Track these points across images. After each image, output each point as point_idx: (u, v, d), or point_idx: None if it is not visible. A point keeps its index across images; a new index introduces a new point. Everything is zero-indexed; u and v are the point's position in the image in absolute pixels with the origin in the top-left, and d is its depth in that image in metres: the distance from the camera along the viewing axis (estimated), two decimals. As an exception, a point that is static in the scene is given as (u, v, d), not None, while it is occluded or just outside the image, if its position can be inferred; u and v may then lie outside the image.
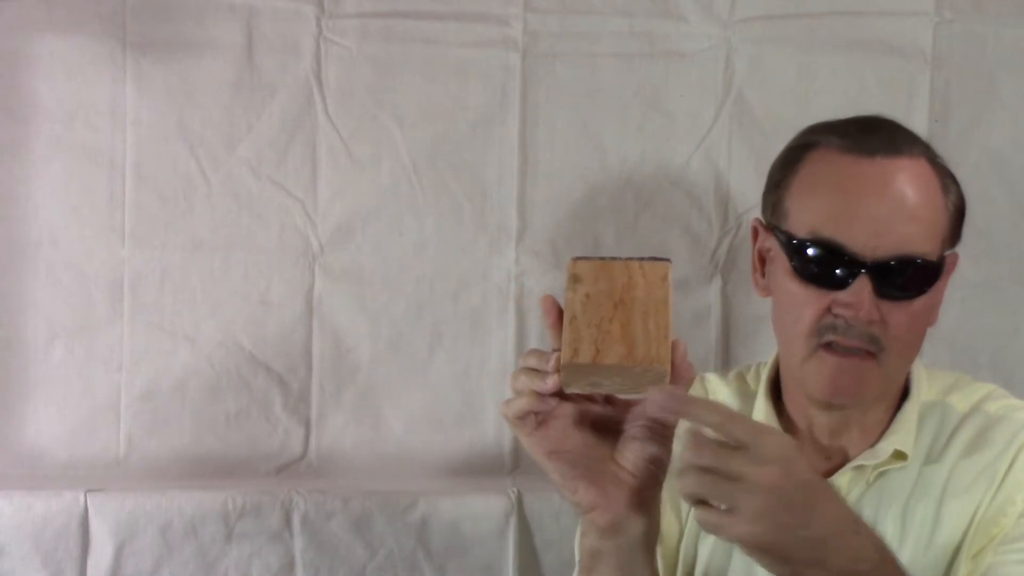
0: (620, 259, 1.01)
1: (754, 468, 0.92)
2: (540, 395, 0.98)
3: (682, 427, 1.01)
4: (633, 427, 1.02)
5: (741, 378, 1.34)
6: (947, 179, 1.21)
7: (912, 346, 1.21)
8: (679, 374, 0.97)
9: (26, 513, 1.53)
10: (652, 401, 0.96)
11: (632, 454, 1.01)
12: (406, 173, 1.66)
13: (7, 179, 1.61)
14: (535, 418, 1.00)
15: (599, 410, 1.03)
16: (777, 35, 1.67)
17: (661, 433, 1.01)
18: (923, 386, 1.26)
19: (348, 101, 1.65)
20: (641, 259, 1.01)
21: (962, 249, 1.27)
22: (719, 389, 1.33)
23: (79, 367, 1.64)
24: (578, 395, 1.01)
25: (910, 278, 1.17)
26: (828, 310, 1.17)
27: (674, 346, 0.97)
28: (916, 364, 1.27)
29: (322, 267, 1.67)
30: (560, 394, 0.99)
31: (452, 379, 1.68)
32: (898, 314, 1.17)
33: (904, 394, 1.26)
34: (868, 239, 1.15)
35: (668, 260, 1.01)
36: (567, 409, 1.01)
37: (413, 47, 1.65)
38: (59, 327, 1.63)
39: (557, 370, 0.96)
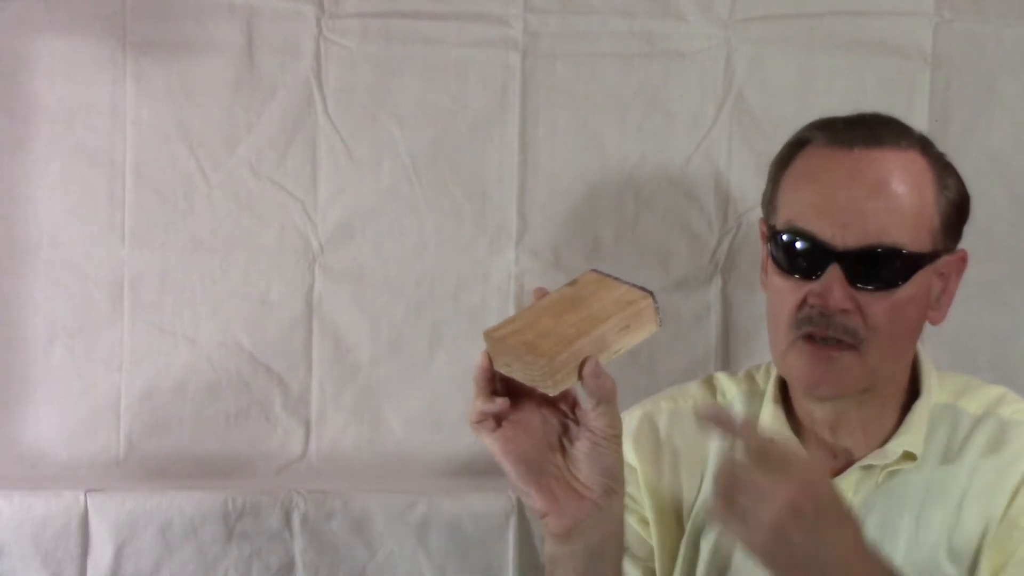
0: (627, 283, 1.03)
1: (776, 482, 0.95)
2: (488, 396, 1.00)
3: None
4: (583, 439, 1.03)
5: (751, 377, 1.34)
6: (944, 173, 1.21)
7: (897, 339, 1.20)
8: (587, 387, 0.99)
9: (26, 513, 1.53)
10: (706, 414, 1.02)
11: (584, 465, 1.03)
12: (406, 173, 1.66)
13: (7, 179, 1.61)
14: (492, 421, 1.02)
15: (560, 419, 1.05)
16: (777, 35, 1.67)
17: (608, 447, 1.03)
18: (934, 387, 1.26)
19: (348, 101, 1.65)
20: (636, 285, 1.03)
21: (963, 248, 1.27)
22: (729, 389, 1.34)
23: (79, 367, 1.63)
24: (540, 402, 1.03)
25: (883, 268, 1.17)
26: (805, 301, 1.18)
27: (584, 361, 0.98)
28: (927, 365, 1.27)
29: (322, 267, 1.67)
30: (506, 393, 1.01)
31: (452, 379, 1.67)
32: (876, 305, 1.17)
33: (914, 394, 1.26)
34: (838, 228, 1.16)
35: (651, 293, 1.03)
36: (526, 415, 1.03)
37: (413, 47, 1.65)
38: (59, 327, 1.63)
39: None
